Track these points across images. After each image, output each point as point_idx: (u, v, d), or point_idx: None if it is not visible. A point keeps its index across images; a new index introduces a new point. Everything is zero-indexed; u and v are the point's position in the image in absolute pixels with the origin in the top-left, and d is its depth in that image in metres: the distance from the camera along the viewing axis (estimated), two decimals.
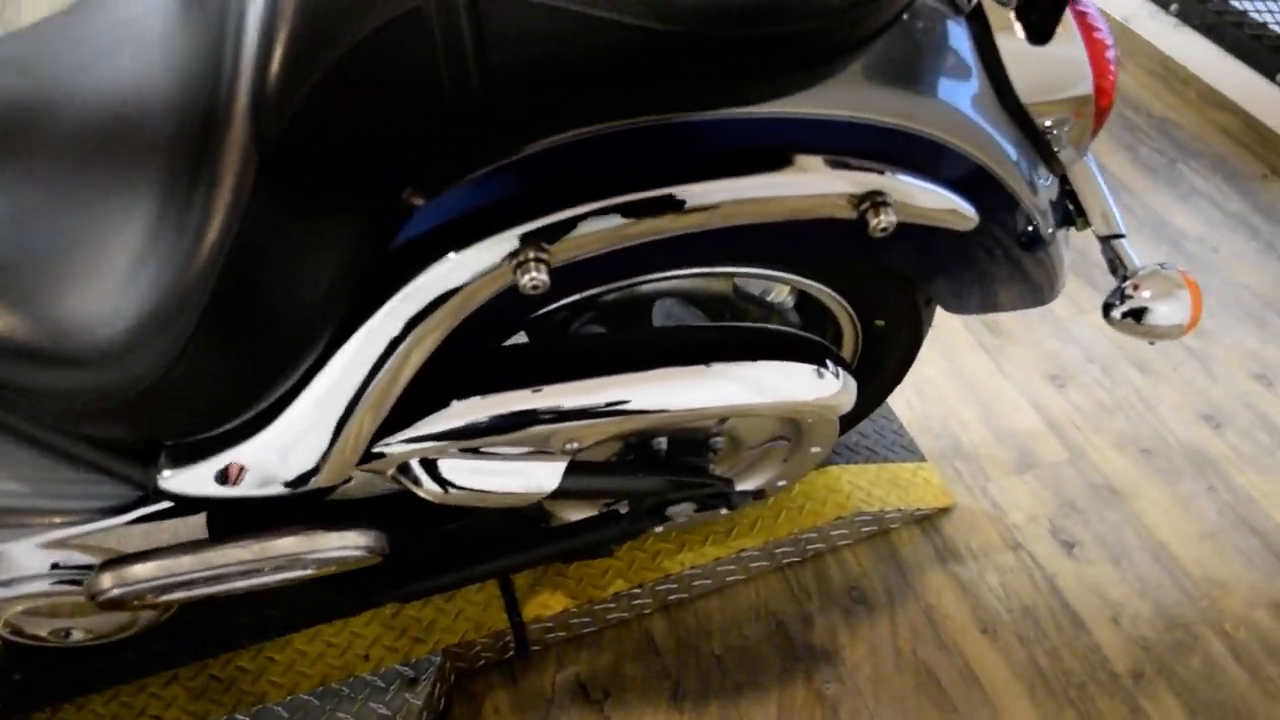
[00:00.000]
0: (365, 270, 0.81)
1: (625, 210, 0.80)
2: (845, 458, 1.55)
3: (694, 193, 0.80)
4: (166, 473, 0.90)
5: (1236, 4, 2.23)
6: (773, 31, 0.69)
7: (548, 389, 1.00)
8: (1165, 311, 1.06)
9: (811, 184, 0.83)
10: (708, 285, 1.18)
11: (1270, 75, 2.17)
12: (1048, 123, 0.96)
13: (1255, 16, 2.21)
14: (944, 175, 0.89)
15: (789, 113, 0.82)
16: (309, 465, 0.90)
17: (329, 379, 0.85)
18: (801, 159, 0.82)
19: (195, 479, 0.90)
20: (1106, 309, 1.08)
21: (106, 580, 0.96)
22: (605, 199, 0.80)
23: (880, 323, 1.15)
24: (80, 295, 0.76)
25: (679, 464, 1.15)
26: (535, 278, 0.79)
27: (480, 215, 0.81)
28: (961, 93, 0.89)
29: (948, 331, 1.78)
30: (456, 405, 0.99)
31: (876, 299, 1.11)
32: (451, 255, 0.80)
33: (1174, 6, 2.35)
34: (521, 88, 0.70)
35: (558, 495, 1.06)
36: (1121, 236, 1.11)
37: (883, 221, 0.83)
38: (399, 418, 0.99)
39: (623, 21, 0.67)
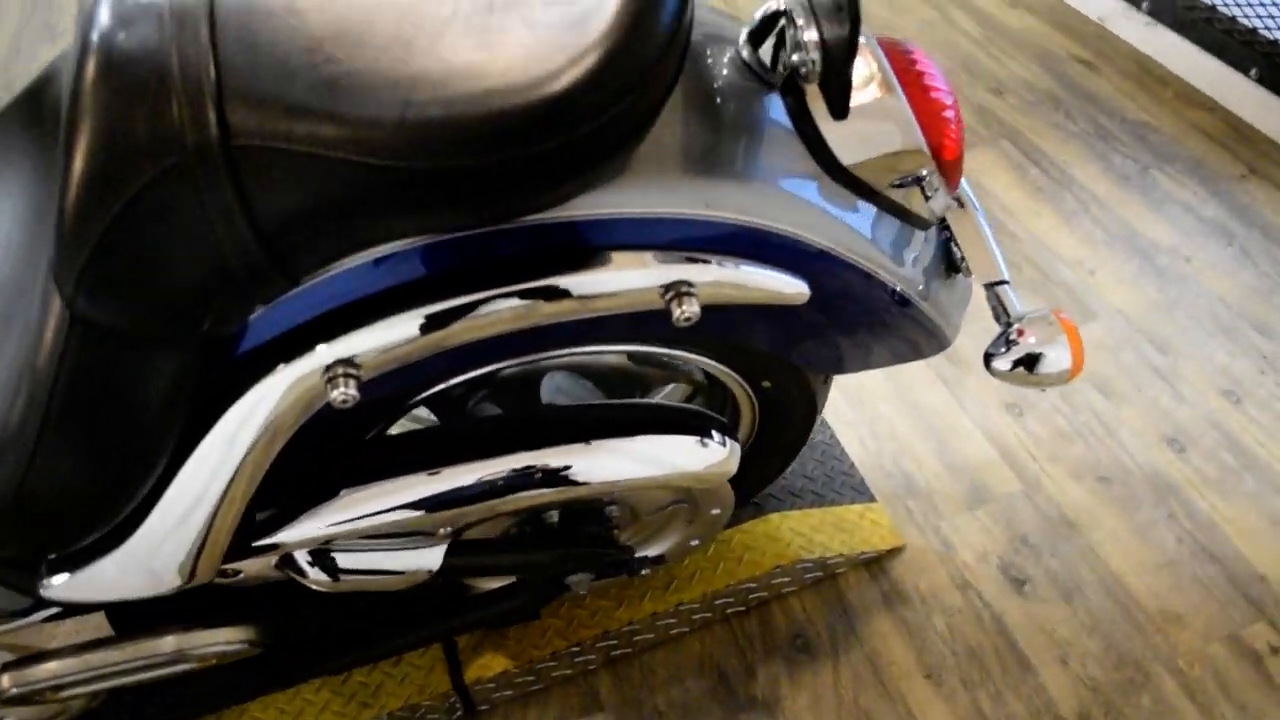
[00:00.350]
0: (197, 388, 0.84)
1: (430, 323, 0.82)
2: (789, 503, 1.54)
3: (496, 298, 0.82)
4: (48, 581, 0.94)
5: None
6: (519, 154, 0.70)
7: (430, 475, 1.02)
8: (1053, 357, 1.05)
9: (610, 281, 0.83)
10: (597, 358, 1.19)
11: (1245, 70, 2.11)
12: (897, 181, 0.96)
13: (1224, 11, 2.15)
14: (759, 255, 0.89)
15: (587, 215, 0.83)
16: (171, 570, 0.93)
17: (177, 490, 0.88)
18: (602, 256, 0.83)
19: (74, 586, 0.94)
20: (989, 359, 1.07)
21: (5, 681, 1.00)
22: (412, 309, 0.82)
23: (767, 384, 1.15)
24: None
25: (571, 535, 1.16)
26: (345, 393, 0.81)
27: (302, 331, 0.84)
28: (772, 169, 0.89)
29: (905, 367, 1.76)
30: (345, 495, 1.02)
31: (751, 363, 1.11)
32: (276, 371, 0.83)
33: (1145, 4, 2.29)
34: (291, 230, 0.72)
35: (444, 575, 1.08)
36: (1004, 282, 1.10)
37: (685, 312, 0.84)
38: (284, 511, 1.02)
39: (372, 163, 0.69)
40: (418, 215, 0.74)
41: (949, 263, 1.12)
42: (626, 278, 0.83)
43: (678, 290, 0.84)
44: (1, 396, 0.79)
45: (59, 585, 0.93)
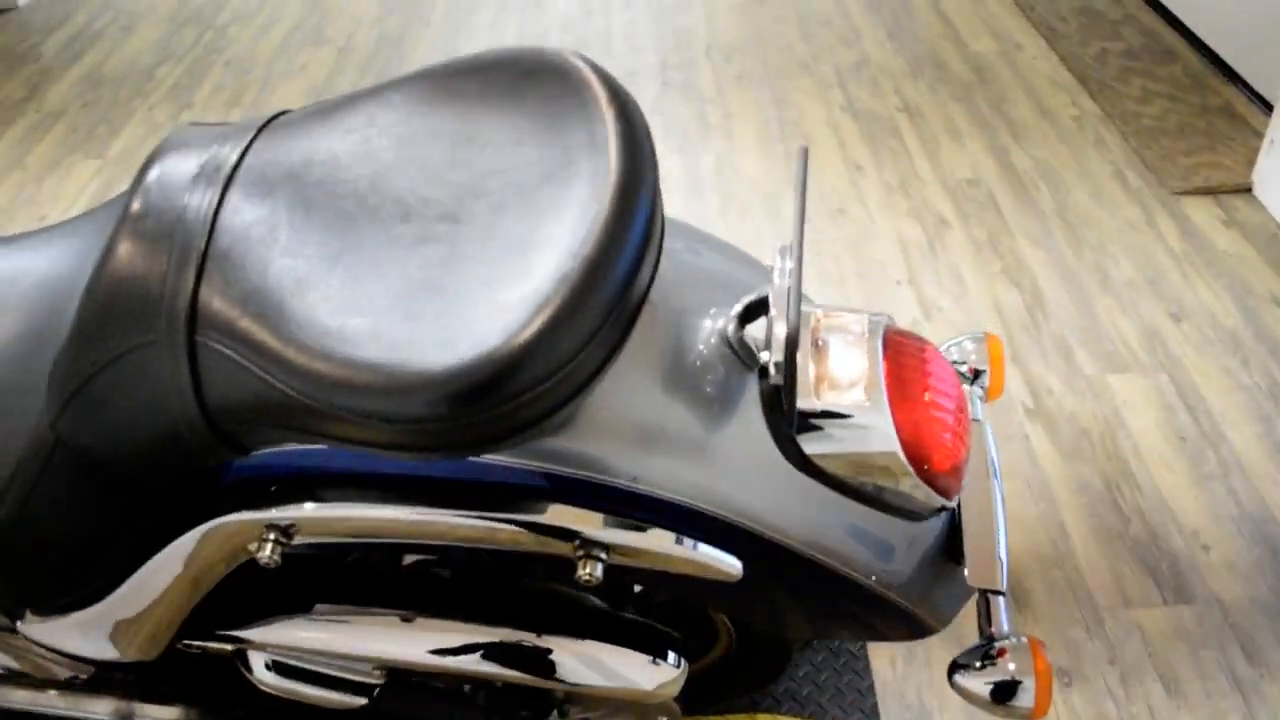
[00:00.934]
0: (167, 506, 0.93)
1: (355, 517, 0.87)
2: (787, 706, 1.51)
3: (413, 515, 0.87)
4: (26, 619, 1.05)
5: None
6: (440, 422, 0.74)
7: (402, 619, 1.08)
8: (1023, 692, 1.00)
9: (525, 527, 0.86)
10: None
11: None
12: (870, 479, 0.93)
13: None
14: (692, 529, 0.89)
15: (520, 464, 0.86)
16: (119, 645, 1.03)
17: (130, 586, 0.98)
18: (526, 503, 0.86)
19: (43, 632, 1.05)
20: (956, 669, 1.03)
21: None
22: (345, 501, 0.87)
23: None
24: None
25: (506, 707, 1.19)
26: (269, 557, 0.88)
27: (260, 484, 0.91)
28: (723, 449, 0.90)
29: None
30: (319, 610, 1.09)
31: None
32: (218, 520, 0.90)
33: None
34: (236, 419, 0.79)
35: (379, 707, 1.14)
36: (999, 594, 1.05)
37: (588, 572, 0.86)
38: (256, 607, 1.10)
39: (305, 401, 0.75)
40: (348, 443, 0.79)
41: (952, 551, 1.07)
42: (540, 528, 0.86)
43: (588, 550, 0.86)
44: (7, 455, 0.91)
45: (32, 628, 1.05)
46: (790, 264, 0.87)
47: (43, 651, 1.12)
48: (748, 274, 1.05)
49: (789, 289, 0.82)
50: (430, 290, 0.76)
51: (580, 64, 0.87)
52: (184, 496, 0.92)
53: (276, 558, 0.88)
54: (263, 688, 1.12)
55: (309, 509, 0.88)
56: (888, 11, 3.49)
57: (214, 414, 0.80)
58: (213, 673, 1.19)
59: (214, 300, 0.78)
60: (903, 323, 2.24)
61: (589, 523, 0.86)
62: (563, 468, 0.87)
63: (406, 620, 1.08)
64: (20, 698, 1.13)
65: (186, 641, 1.10)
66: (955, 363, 1.20)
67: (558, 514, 0.86)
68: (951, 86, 3.07)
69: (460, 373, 0.72)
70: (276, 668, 1.12)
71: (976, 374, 1.19)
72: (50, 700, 1.14)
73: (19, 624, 1.05)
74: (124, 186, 2.79)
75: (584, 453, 0.87)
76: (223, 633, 1.09)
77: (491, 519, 0.86)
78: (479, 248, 0.78)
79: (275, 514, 0.88)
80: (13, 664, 1.15)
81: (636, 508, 0.88)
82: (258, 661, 1.11)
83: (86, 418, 0.83)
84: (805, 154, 0.86)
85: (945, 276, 2.35)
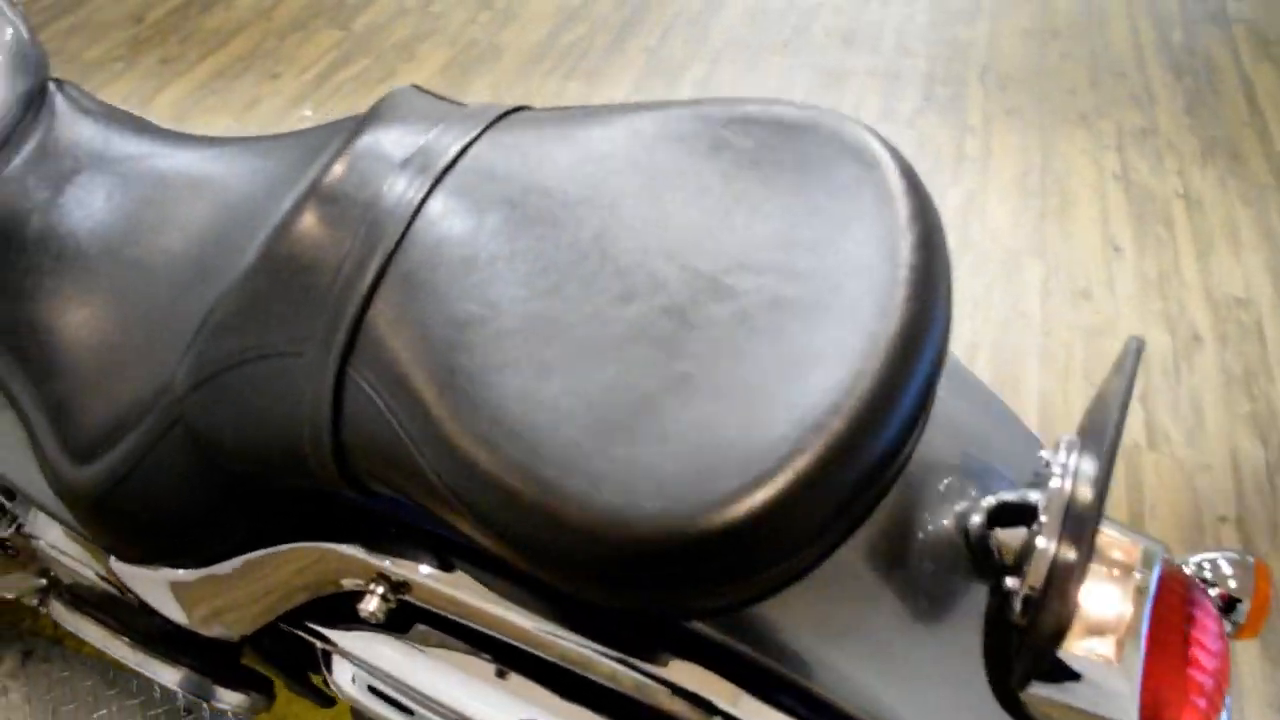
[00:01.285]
0: (262, 512, 0.83)
1: (466, 605, 0.75)
2: None
3: (537, 627, 0.74)
4: (117, 558, 0.99)
5: None
6: (615, 592, 0.60)
7: (496, 673, 0.97)
8: None
9: (660, 683, 0.75)
10: None
11: None
12: None
13: None
14: None
15: None
16: (189, 617, 0.96)
17: (217, 570, 0.89)
18: (671, 658, 0.73)
19: (129, 575, 0.98)
20: None
21: (55, 608, 1.08)
22: (464, 585, 0.75)
23: None
24: (100, 406, 0.87)
25: None
26: (372, 611, 0.77)
27: (369, 521, 0.80)
28: (920, 666, 0.73)
29: None
30: (416, 631, 0.99)
31: None
32: (328, 545, 0.80)
33: None
34: (367, 466, 0.68)
35: None
36: None
37: None
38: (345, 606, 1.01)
39: (447, 496, 0.62)
40: (484, 549, 0.66)
41: None
42: (679, 691, 0.72)
43: None
44: (137, 402, 0.83)
45: (122, 568, 0.98)
46: (1076, 460, 0.68)
47: None
48: (1011, 444, 0.86)
49: (1076, 508, 0.63)
50: (630, 406, 0.60)
51: (888, 158, 0.69)
52: (295, 508, 0.82)
53: (380, 615, 0.77)
54: (337, 691, 1.03)
55: (425, 572, 0.76)
56: (1191, 80, 3.12)
57: (346, 454, 0.68)
58: (295, 652, 1.11)
59: (379, 325, 0.66)
60: (1120, 448, 1.98)
61: (739, 704, 0.71)
62: (724, 635, 0.71)
63: (500, 675, 0.96)
64: (93, 633, 1.08)
65: (277, 621, 1.02)
66: (1205, 582, 0.99)
67: (704, 681, 0.72)
68: (1244, 184, 2.71)
69: (638, 533, 0.56)
70: (357, 679, 1.02)
71: (1230, 603, 0.97)
72: (122, 650, 1.08)
73: (110, 560, 0.98)
74: (360, 65, 2.74)
75: (754, 624, 0.71)
76: (311, 625, 1.00)
77: (624, 661, 0.72)
78: (704, 368, 0.62)
79: (390, 565, 0.77)
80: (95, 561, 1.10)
81: (796, 702, 0.73)
82: (341, 666, 1.02)
83: (215, 406, 0.73)
84: (1139, 349, 0.66)
85: (1184, 404, 2.07)
